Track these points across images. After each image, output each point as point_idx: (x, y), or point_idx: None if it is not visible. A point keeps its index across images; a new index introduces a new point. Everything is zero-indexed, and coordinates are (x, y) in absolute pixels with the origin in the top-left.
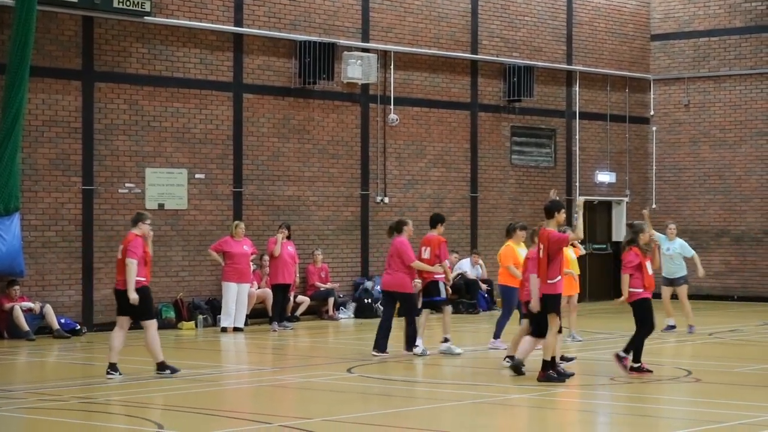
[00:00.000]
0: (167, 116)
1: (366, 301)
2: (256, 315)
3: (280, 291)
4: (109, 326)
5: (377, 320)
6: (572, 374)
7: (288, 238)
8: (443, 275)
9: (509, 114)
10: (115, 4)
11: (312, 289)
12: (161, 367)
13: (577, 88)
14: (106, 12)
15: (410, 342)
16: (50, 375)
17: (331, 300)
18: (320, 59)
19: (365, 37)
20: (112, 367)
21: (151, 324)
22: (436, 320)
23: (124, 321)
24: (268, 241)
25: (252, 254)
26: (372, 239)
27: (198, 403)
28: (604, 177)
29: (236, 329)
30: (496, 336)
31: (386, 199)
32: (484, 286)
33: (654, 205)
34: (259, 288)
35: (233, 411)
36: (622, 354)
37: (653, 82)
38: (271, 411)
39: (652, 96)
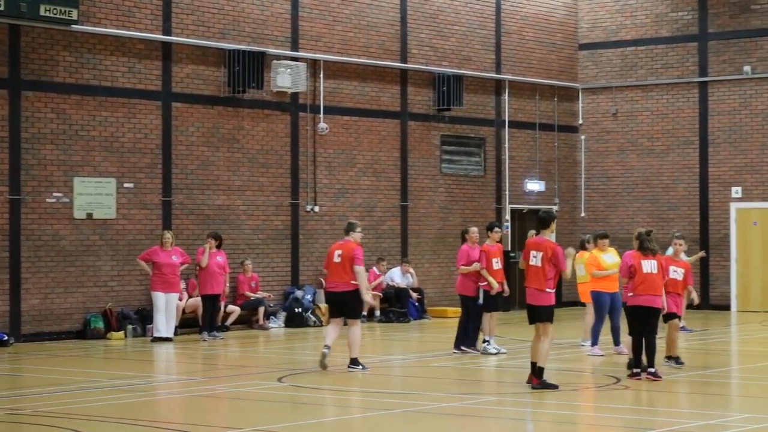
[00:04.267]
0: (95, 125)
1: (296, 310)
2: (188, 325)
3: (210, 301)
4: (37, 337)
5: (308, 329)
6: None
7: (218, 247)
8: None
9: (439, 123)
10: (42, 12)
11: (242, 298)
12: (354, 362)
13: (506, 97)
14: (32, 20)
15: (459, 341)
16: None
17: (261, 309)
18: (249, 68)
19: (294, 46)
20: (327, 347)
21: (357, 322)
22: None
23: (338, 321)
24: (197, 251)
25: (182, 264)
26: (302, 248)
27: (128, 414)
28: (534, 185)
29: (166, 339)
30: (593, 343)
31: (316, 208)
32: (414, 295)
33: (583, 214)
34: (190, 297)
35: (163, 421)
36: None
37: (581, 91)
38: (202, 421)
39: (580, 105)
